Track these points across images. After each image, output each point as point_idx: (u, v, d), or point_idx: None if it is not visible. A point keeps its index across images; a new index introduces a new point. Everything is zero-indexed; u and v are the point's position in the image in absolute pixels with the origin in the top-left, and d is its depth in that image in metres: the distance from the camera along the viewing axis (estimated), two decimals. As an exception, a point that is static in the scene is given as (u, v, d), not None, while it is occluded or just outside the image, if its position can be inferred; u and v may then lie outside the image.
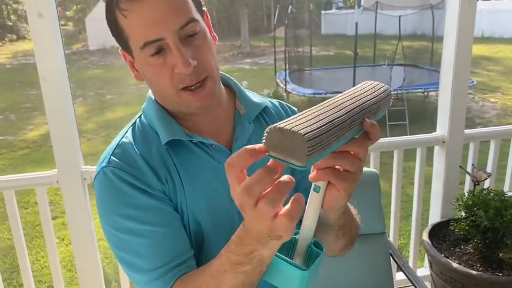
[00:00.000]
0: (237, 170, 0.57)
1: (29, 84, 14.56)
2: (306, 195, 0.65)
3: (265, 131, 0.56)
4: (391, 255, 1.89)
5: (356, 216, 0.93)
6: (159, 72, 0.80)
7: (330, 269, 1.83)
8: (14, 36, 25.72)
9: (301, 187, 0.88)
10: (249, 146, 0.57)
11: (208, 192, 0.88)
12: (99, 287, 2.06)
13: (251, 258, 0.66)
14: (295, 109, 1.03)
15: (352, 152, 0.64)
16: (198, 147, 0.88)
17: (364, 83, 0.73)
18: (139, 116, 0.94)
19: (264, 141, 0.56)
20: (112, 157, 0.85)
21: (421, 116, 8.82)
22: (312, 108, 0.61)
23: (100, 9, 22.46)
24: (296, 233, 0.68)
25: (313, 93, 9.82)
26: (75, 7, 28.43)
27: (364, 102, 0.66)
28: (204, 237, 0.88)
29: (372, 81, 0.74)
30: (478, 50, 16.98)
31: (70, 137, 1.79)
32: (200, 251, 0.88)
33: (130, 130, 0.91)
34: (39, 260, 4.50)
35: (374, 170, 1.91)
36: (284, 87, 10.44)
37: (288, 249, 0.70)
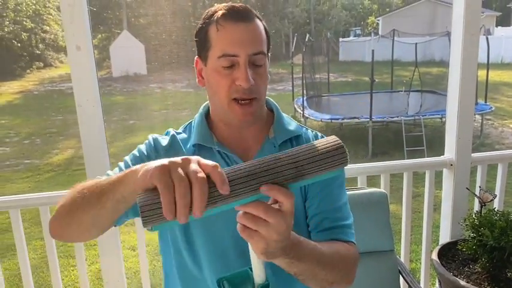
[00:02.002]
0: None
1: (54, 110, 15.07)
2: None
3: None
4: (400, 272, 1.98)
5: (324, 265, 0.92)
6: (222, 81, 0.99)
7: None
8: (41, 64, 26.66)
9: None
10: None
11: None
12: (123, 298, 2.19)
13: (113, 184, 0.80)
14: None
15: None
16: (220, 155, 1.06)
17: (322, 140, 0.75)
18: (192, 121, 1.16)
19: None
20: (169, 131, 1.14)
21: (439, 141, 8.80)
22: None
23: (123, 37, 23.22)
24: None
25: (330, 119, 9.96)
26: (100, 36, 29.43)
27: (263, 171, 0.68)
28: (198, 237, 1.04)
29: (329, 139, 0.75)
30: (498, 76, 16.94)
31: (101, 158, 1.96)
32: (193, 248, 1.05)
33: (183, 126, 1.16)
34: (63, 280, 4.65)
35: (383, 191, 2.02)
36: (302, 112, 10.60)
37: None
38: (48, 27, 27.60)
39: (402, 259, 2.40)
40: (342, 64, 23.15)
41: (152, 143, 1.11)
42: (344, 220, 1.06)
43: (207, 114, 1.14)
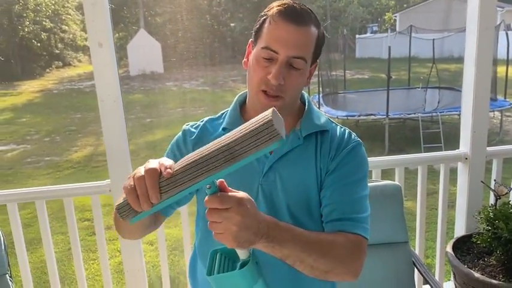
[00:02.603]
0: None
1: (73, 108, 15.33)
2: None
3: None
4: (414, 264, 2.00)
5: (311, 251, 0.94)
6: (258, 70, 1.05)
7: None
8: (60, 63, 27.08)
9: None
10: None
11: (233, 177, 1.10)
12: (143, 286, 2.26)
13: None
14: (357, 140, 1.14)
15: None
16: None
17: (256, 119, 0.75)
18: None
19: None
20: (204, 119, 1.22)
21: (457, 138, 8.71)
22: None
23: (140, 36, 23.43)
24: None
25: (347, 116, 9.93)
26: (117, 34, 29.76)
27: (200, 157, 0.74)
28: None
29: (263, 115, 0.76)
30: (518, 72, 16.61)
31: (122, 150, 2.03)
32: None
33: (222, 112, 1.22)
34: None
35: (397, 183, 2.05)
36: (317, 110, 10.57)
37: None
38: (66, 27, 28.02)
39: (417, 252, 2.42)
40: (358, 61, 23.01)
41: (183, 136, 1.19)
42: (355, 213, 1.05)
43: (242, 102, 1.20)
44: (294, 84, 1.05)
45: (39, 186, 2.37)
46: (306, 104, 1.18)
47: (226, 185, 0.82)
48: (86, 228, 5.57)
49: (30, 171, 9.14)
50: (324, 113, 1.20)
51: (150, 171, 0.76)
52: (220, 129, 1.16)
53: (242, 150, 0.72)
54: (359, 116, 9.86)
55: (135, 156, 9.60)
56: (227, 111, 1.21)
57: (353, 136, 1.15)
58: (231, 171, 0.73)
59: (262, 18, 1.07)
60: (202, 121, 1.21)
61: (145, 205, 0.75)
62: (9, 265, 1.87)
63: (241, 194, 0.82)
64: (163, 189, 0.74)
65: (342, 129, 1.16)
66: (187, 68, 22.42)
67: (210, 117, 1.22)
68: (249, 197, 0.84)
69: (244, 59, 1.13)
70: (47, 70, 25.61)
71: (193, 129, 1.19)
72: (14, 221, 2.14)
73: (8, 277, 1.83)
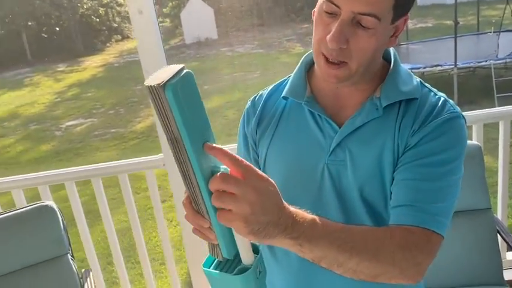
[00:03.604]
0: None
1: (134, 80, 15.74)
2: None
3: None
4: (499, 232, 1.79)
5: (352, 253, 0.73)
6: (320, 26, 0.85)
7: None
8: (119, 37, 27.79)
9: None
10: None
11: (294, 157, 0.94)
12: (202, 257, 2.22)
13: None
14: (454, 111, 0.88)
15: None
16: (310, 113, 0.94)
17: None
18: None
19: None
20: (269, 88, 1.05)
21: (536, 85, 8.02)
22: None
23: (192, 3, 23.39)
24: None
25: (411, 68, 9.35)
26: (170, 4, 29.94)
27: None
28: None
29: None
30: None
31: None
32: None
33: (285, 78, 1.04)
34: (152, 240, 4.91)
35: (476, 143, 1.82)
36: (378, 64, 10.10)
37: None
38: (122, 0, 28.56)
39: (499, 216, 2.19)
40: (420, 9, 21.61)
41: (246, 116, 1.05)
42: (428, 202, 0.82)
43: (310, 63, 0.98)
44: (362, 47, 0.82)
45: (106, 157, 2.39)
46: (392, 63, 0.93)
47: None
48: (149, 197, 5.72)
49: (98, 143, 9.56)
50: (414, 75, 0.94)
51: (184, 206, 0.72)
52: (281, 97, 0.98)
53: (170, 126, 0.63)
54: (424, 68, 9.28)
55: (194, 124, 9.71)
56: (283, 81, 1.02)
57: (448, 106, 0.88)
58: (197, 150, 0.63)
59: None
60: (266, 89, 1.04)
61: (208, 233, 0.71)
62: (70, 244, 1.88)
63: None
64: (199, 210, 0.71)
65: (437, 96, 0.90)
66: (240, 31, 22.19)
67: (272, 85, 1.04)
68: (258, 176, 0.64)
69: (314, 9, 0.89)
70: (107, 44, 26.35)
71: (256, 100, 1.04)
72: (72, 198, 2.16)
73: (70, 256, 1.84)
